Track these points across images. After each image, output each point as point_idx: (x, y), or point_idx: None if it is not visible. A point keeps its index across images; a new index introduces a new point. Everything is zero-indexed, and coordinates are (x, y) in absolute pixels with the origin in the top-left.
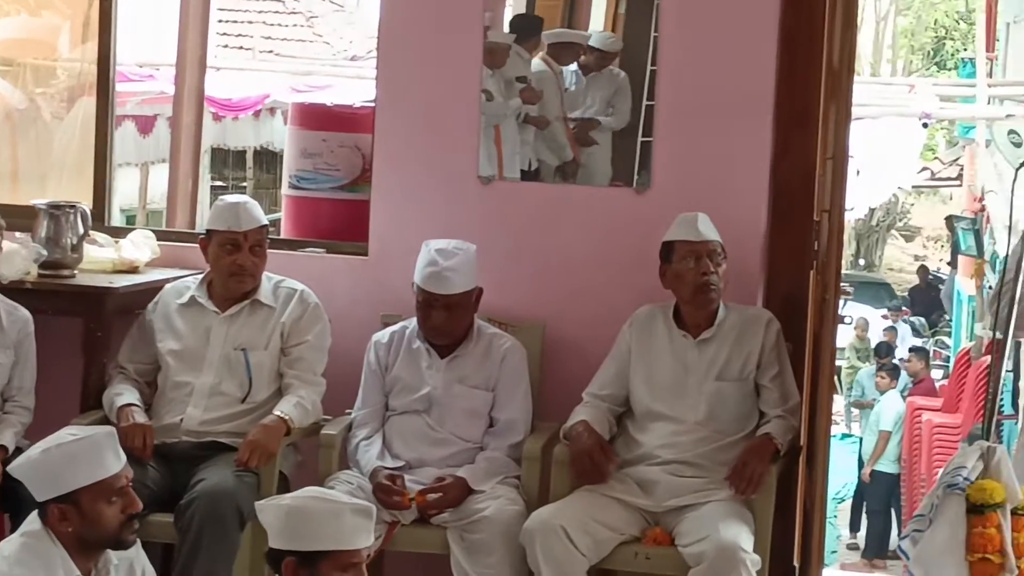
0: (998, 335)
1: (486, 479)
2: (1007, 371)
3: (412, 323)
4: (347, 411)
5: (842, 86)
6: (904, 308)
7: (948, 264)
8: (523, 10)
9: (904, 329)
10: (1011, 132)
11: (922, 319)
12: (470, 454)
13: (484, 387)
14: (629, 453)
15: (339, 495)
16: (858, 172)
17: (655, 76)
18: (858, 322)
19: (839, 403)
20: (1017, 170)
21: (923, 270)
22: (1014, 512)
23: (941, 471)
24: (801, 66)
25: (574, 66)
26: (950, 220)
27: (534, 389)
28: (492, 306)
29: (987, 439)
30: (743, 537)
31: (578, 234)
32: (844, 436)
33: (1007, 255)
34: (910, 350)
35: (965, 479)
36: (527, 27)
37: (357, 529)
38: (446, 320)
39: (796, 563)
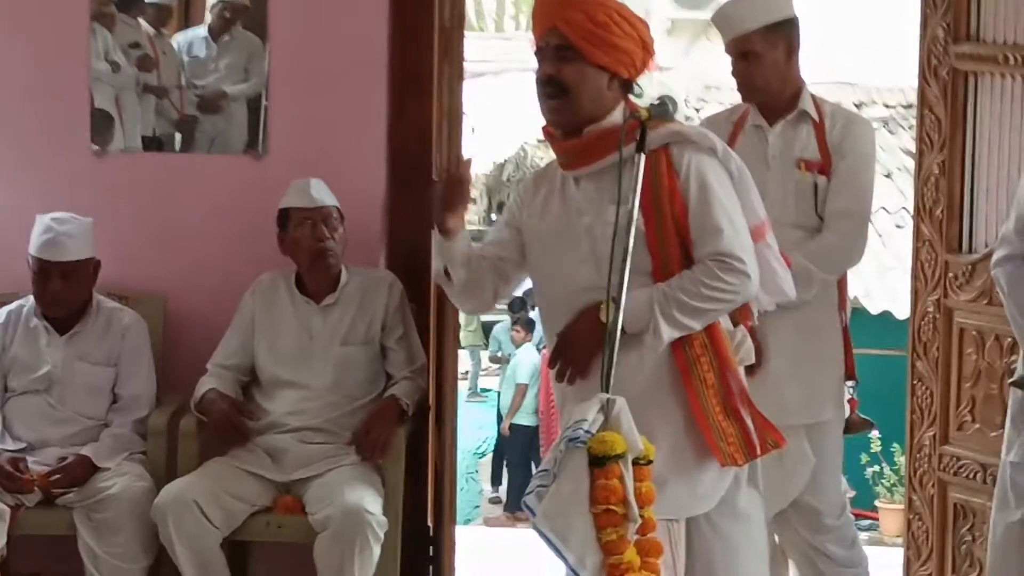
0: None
1: (111, 456)
2: None
3: (29, 301)
4: None
5: (454, 46)
6: None
7: None
8: None
9: None
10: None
11: None
12: (94, 432)
13: (105, 363)
14: (257, 422)
15: None
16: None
17: (268, 37)
18: None
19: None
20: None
21: None
22: (635, 462)
23: (562, 424)
24: (413, 27)
25: (203, 31)
26: None
27: (157, 363)
28: (111, 280)
29: (606, 391)
30: (368, 499)
31: (196, 204)
32: (482, 391)
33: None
34: None
35: (586, 432)
36: None
37: None
38: (63, 289)
39: (430, 523)
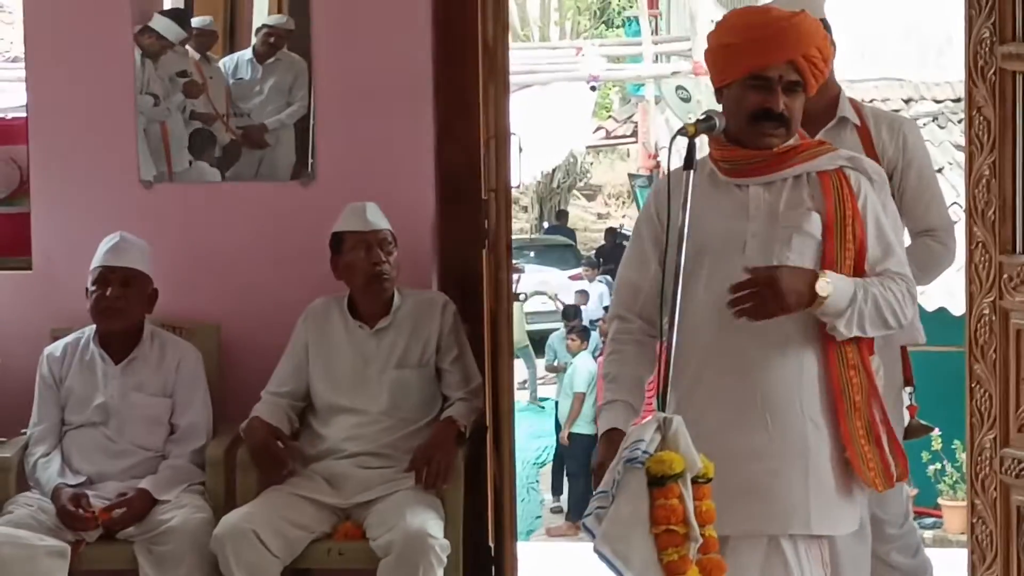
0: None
1: (170, 488)
2: None
3: (86, 333)
4: (22, 431)
5: (498, 64)
6: (593, 267)
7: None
8: (180, 2)
9: (601, 288)
10: (679, 88)
11: (611, 278)
12: (153, 464)
13: (162, 393)
14: (314, 448)
15: (30, 537)
16: (520, 149)
17: (311, 63)
18: None
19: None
20: (673, 137)
21: (610, 232)
22: (694, 481)
23: (620, 445)
24: (457, 45)
25: (249, 53)
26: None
27: (213, 392)
28: (165, 311)
29: (662, 410)
30: (431, 523)
31: (246, 232)
32: (541, 400)
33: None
34: (604, 310)
35: (644, 452)
36: (176, 19)
37: (51, 571)
38: (122, 296)
39: (491, 542)
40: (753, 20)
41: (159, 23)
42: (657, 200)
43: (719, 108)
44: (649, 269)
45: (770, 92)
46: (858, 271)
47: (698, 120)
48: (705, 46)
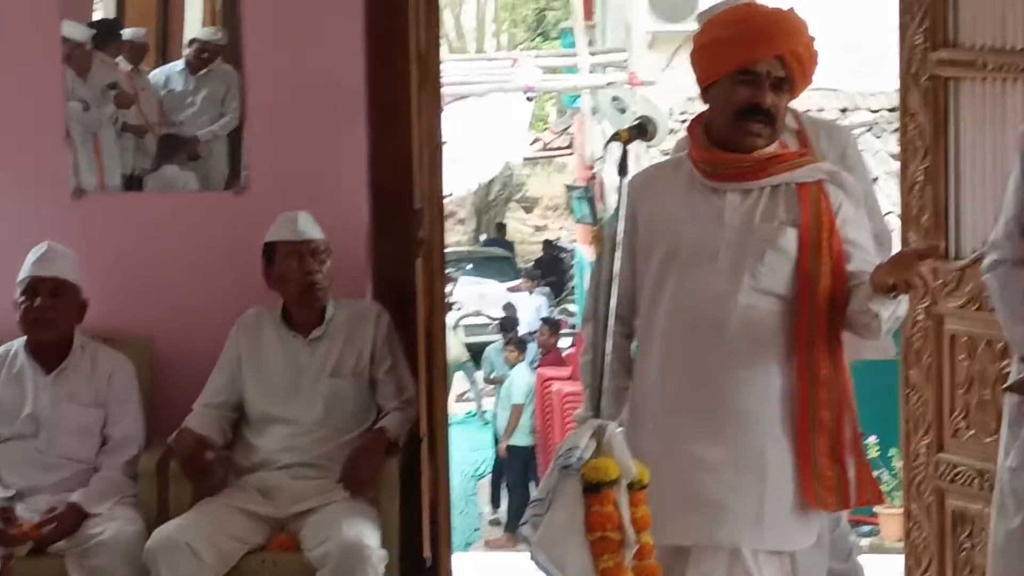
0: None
1: (101, 501)
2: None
3: (15, 344)
4: None
5: (430, 73)
6: (532, 279)
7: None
8: (112, 13)
9: (539, 300)
10: (615, 99)
11: (549, 289)
12: (84, 476)
13: (93, 404)
14: (248, 460)
15: None
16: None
17: (243, 73)
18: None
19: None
20: (607, 144)
21: (547, 244)
22: (630, 487)
23: (555, 453)
24: (388, 55)
25: (181, 64)
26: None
27: (146, 404)
28: (97, 324)
29: (596, 416)
30: (367, 533)
31: (179, 243)
32: (474, 413)
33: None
34: (541, 321)
35: (579, 459)
36: (106, 30)
37: None
38: (51, 307)
39: (427, 553)
40: (743, 14)
41: (67, 28)
42: (630, 206)
43: (652, 115)
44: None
45: (758, 87)
46: (835, 287)
47: (631, 126)
48: (640, 55)
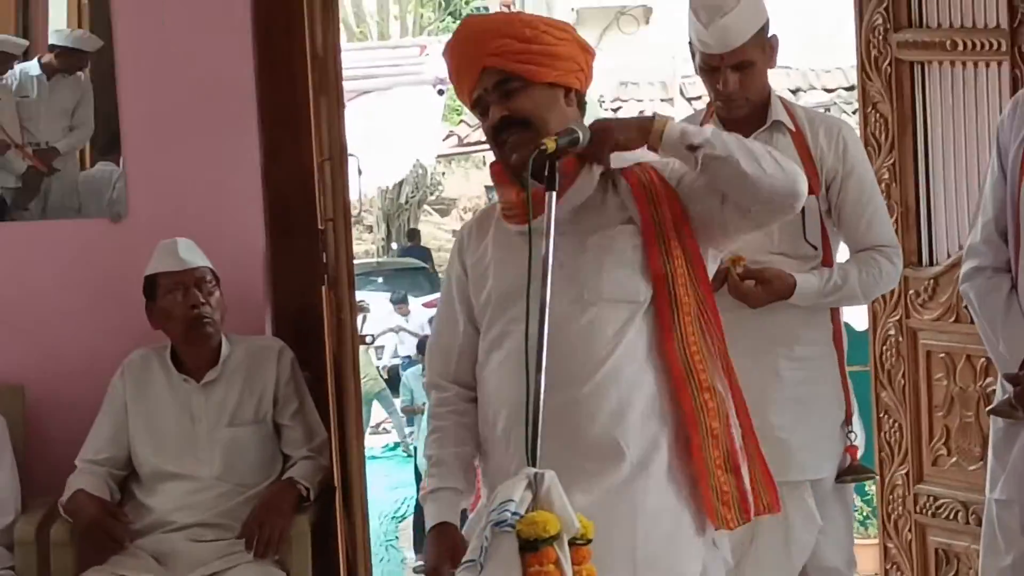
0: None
1: None
2: None
3: None
4: None
5: (330, 75)
6: None
7: None
8: None
9: None
10: None
11: None
12: None
13: None
14: (140, 522)
15: None
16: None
17: (116, 82)
18: None
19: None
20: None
21: None
22: (572, 543)
23: (484, 507)
24: (282, 58)
25: (36, 68)
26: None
27: (20, 462)
28: None
29: (533, 464)
30: None
31: (50, 277)
32: (395, 446)
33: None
34: None
35: (514, 514)
36: None
37: None
38: None
39: None
40: (448, 47)
41: None
42: (460, 253)
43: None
44: (459, 328)
45: (488, 111)
46: (693, 267)
47: (558, 134)
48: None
